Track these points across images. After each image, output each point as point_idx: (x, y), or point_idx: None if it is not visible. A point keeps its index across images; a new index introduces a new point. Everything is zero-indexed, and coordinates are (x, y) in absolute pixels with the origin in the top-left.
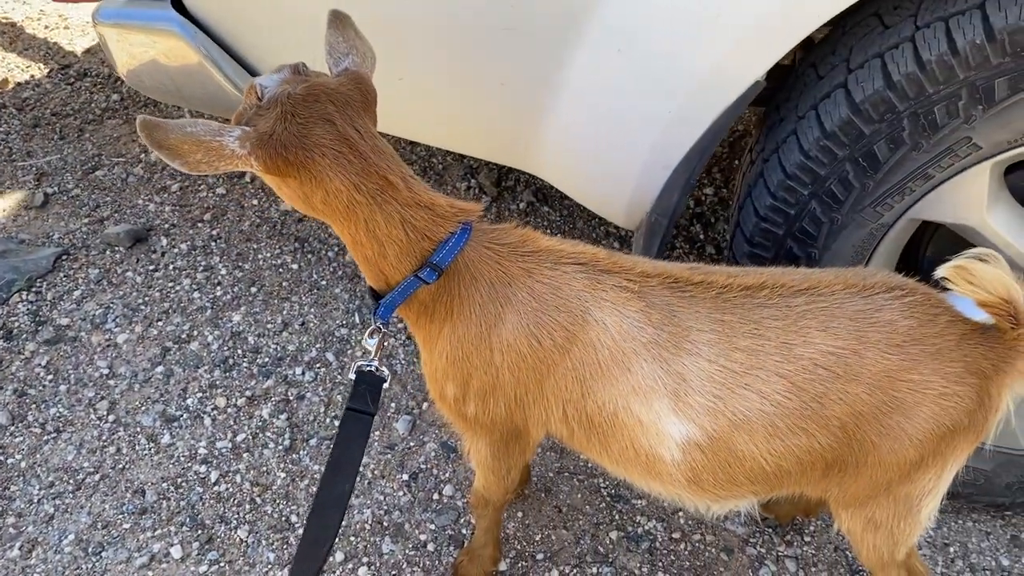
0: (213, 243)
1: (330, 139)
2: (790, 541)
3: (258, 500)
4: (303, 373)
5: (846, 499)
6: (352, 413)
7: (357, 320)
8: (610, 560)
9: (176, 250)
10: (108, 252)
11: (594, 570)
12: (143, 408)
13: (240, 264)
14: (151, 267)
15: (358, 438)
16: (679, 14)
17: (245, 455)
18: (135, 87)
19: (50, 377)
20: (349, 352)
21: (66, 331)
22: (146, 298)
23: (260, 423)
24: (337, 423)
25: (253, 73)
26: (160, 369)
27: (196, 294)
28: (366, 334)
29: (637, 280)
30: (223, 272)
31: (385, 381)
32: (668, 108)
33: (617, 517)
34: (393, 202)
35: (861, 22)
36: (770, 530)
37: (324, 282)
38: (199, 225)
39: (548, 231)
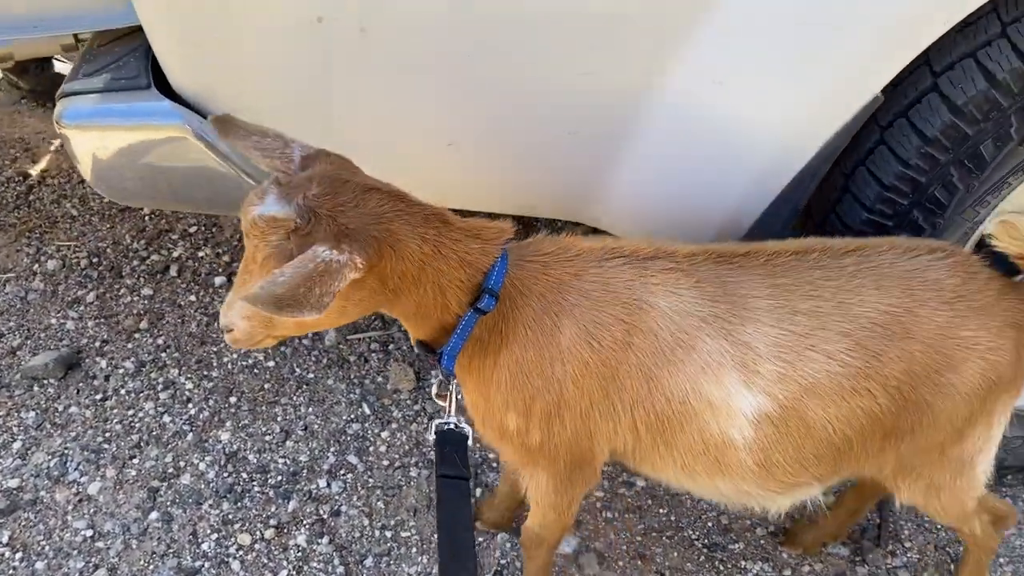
0: (163, 354)
1: (385, 205)
2: (893, 551)
3: None
4: (328, 485)
5: (903, 469)
6: (447, 481)
7: (367, 411)
8: None
9: (121, 370)
10: (37, 388)
11: None
12: (151, 567)
13: (205, 372)
14: (98, 396)
15: (461, 509)
16: (788, 36)
17: None
18: (112, 197)
19: (19, 555)
20: (371, 450)
21: (20, 495)
22: (107, 434)
23: (299, 554)
24: (389, 534)
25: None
26: (155, 515)
27: (166, 417)
28: (433, 391)
29: (683, 259)
30: (189, 386)
31: (468, 438)
32: (770, 137)
33: (720, 567)
34: (447, 241)
35: None
36: (869, 543)
37: (311, 375)
38: (136, 336)
39: None
